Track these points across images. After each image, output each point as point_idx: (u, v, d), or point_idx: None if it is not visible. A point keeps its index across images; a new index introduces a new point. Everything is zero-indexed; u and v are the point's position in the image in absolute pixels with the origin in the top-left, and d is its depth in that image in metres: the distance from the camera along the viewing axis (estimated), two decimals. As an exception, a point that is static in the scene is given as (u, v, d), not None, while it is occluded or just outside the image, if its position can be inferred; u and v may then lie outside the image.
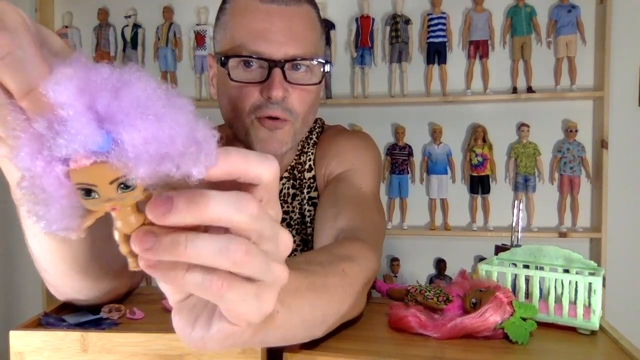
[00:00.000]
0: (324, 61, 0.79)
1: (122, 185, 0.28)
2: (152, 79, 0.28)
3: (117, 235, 0.30)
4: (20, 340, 0.53)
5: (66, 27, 2.47)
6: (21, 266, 2.51)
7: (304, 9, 0.78)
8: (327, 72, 0.81)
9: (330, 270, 0.52)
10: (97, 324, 0.57)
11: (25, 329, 0.55)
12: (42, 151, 0.28)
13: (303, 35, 0.77)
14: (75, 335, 0.53)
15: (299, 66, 0.77)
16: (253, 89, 0.76)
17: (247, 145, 0.81)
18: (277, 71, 0.74)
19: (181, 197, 0.28)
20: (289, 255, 0.99)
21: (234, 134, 0.83)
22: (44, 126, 0.27)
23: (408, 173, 2.32)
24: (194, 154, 0.29)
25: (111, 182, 0.27)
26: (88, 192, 0.28)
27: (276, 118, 0.77)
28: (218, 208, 0.28)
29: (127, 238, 0.30)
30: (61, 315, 0.59)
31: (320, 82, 0.80)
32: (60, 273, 0.54)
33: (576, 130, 2.20)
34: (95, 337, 0.53)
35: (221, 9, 0.81)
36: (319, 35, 0.82)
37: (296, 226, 0.88)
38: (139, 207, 0.30)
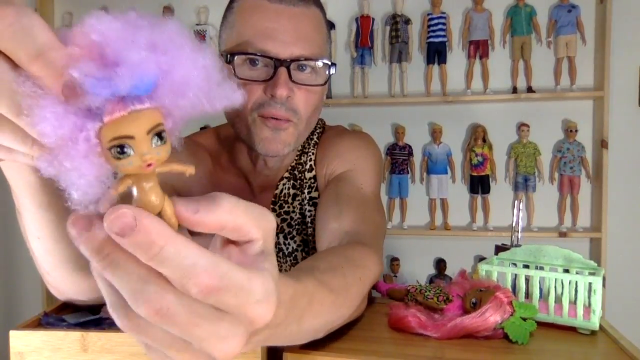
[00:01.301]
0: (329, 63, 0.79)
1: (156, 138, 0.27)
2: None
3: None
4: (20, 340, 0.53)
5: (66, 27, 2.47)
6: (21, 266, 2.51)
7: (312, 11, 0.78)
8: (332, 74, 0.81)
9: (351, 280, 0.54)
10: (97, 324, 0.57)
11: (25, 329, 0.55)
12: (69, 109, 0.26)
13: (310, 36, 0.77)
14: (75, 335, 0.53)
15: (304, 67, 0.77)
16: (257, 86, 0.76)
17: (249, 144, 0.81)
18: (282, 70, 0.74)
19: (141, 231, 0.26)
20: (290, 256, 0.99)
21: (236, 134, 0.83)
22: (81, 73, 0.25)
23: (408, 173, 2.32)
24: (220, 91, 0.29)
25: (148, 132, 0.26)
26: (121, 149, 0.26)
27: (280, 119, 0.77)
28: (171, 270, 0.26)
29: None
30: (61, 315, 0.59)
31: (325, 83, 0.80)
32: (62, 274, 0.55)
33: (576, 130, 2.20)
34: (95, 337, 0.53)
35: (229, 8, 0.81)
36: (325, 38, 0.82)
37: (297, 226, 0.88)
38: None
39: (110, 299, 0.28)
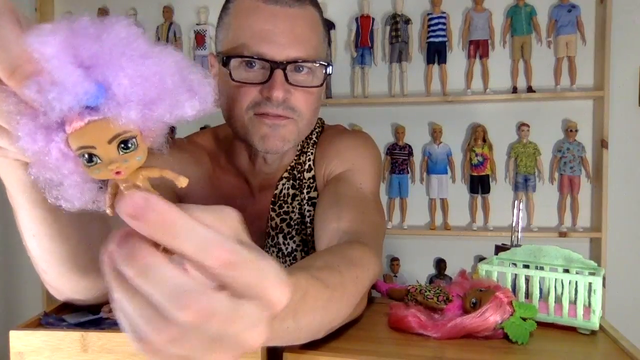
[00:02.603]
0: (325, 64, 0.78)
1: (122, 146, 0.27)
2: (134, 25, 0.28)
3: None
4: (20, 340, 0.53)
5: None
6: (21, 266, 2.51)
7: (308, 11, 0.78)
8: (329, 74, 0.80)
9: (347, 278, 0.54)
10: (97, 324, 0.57)
11: (25, 329, 0.55)
12: (39, 124, 0.27)
13: (306, 37, 0.77)
14: (75, 335, 0.53)
15: (301, 68, 0.77)
16: (253, 88, 0.76)
17: (248, 143, 0.81)
18: (278, 72, 0.74)
19: (153, 210, 0.26)
20: (290, 256, 0.99)
21: (234, 134, 0.83)
22: (34, 90, 0.26)
23: (408, 173, 2.32)
24: (187, 96, 0.28)
25: (110, 141, 0.27)
26: (90, 158, 0.27)
27: (278, 116, 0.77)
28: (186, 244, 0.26)
29: None
30: (61, 315, 0.59)
31: (322, 84, 0.79)
32: (59, 274, 0.54)
33: (576, 130, 2.20)
34: (95, 337, 0.53)
35: (224, 9, 0.81)
36: (322, 37, 0.81)
37: (296, 226, 0.88)
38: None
39: (137, 321, 0.27)
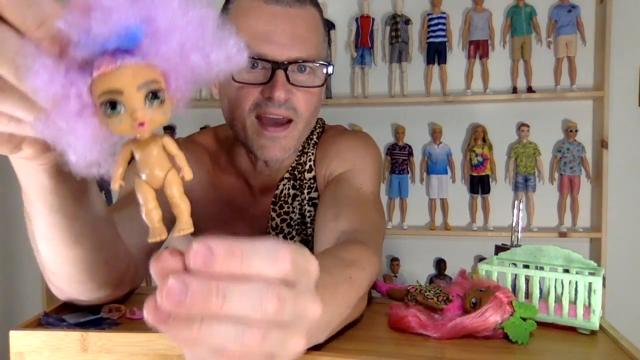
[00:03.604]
0: (326, 63, 0.79)
1: (150, 96, 0.26)
2: None
3: (141, 194, 0.28)
4: (20, 340, 0.53)
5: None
6: (21, 266, 2.51)
7: (308, 11, 0.78)
8: (330, 74, 0.80)
9: (339, 278, 0.53)
10: (97, 324, 0.57)
11: (25, 329, 0.55)
12: (61, 63, 0.25)
13: (306, 37, 0.77)
14: (75, 335, 0.53)
15: (302, 68, 0.77)
16: (255, 89, 0.76)
17: (247, 147, 0.80)
18: (280, 73, 0.74)
19: (220, 248, 0.25)
20: None
21: (235, 136, 0.83)
22: (68, 22, 0.24)
23: (408, 173, 2.32)
24: (222, 48, 0.27)
25: (139, 87, 0.25)
26: (112, 106, 0.25)
27: (279, 123, 0.76)
28: (255, 263, 0.26)
29: (153, 195, 0.28)
30: (61, 315, 0.59)
31: (323, 84, 0.80)
32: (68, 277, 0.54)
33: (576, 130, 2.20)
34: (95, 337, 0.53)
35: (224, 9, 0.81)
36: (322, 37, 0.81)
37: (296, 227, 0.88)
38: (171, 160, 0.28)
39: (226, 342, 0.26)
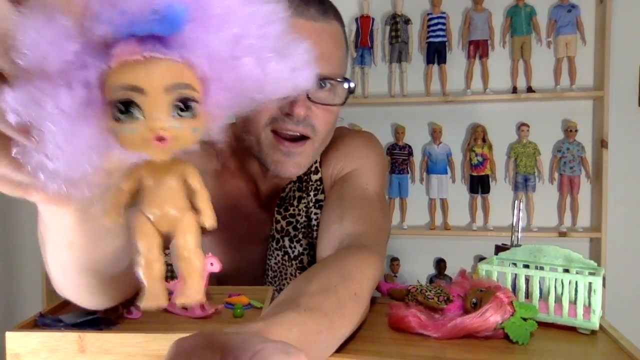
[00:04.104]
0: (348, 82, 0.76)
1: (180, 105, 0.19)
2: None
3: (142, 239, 0.20)
4: (16, 341, 0.53)
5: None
6: (21, 266, 2.51)
7: (333, 26, 0.75)
8: (352, 92, 0.78)
9: (345, 298, 0.53)
10: (95, 324, 0.56)
11: (22, 330, 0.54)
12: (76, 35, 0.18)
13: (330, 53, 0.74)
14: (72, 336, 0.53)
15: (323, 84, 0.74)
16: (272, 103, 0.74)
17: (260, 161, 0.79)
18: None
19: None
20: (296, 259, 0.97)
21: (246, 147, 0.79)
22: None
23: (408, 173, 2.32)
24: (291, 52, 0.21)
25: (168, 90, 0.19)
26: (126, 107, 0.19)
27: (296, 138, 0.74)
28: None
29: (158, 242, 0.21)
30: (57, 315, 0.59)
31: (343, 103, 0.77)
32: (76, 296, 0.52)
33: (576, 130, 2.20)
34: (93, 338, 0.53)
35: None
36: (345, 52, 0.79)
37: (302, 229, 0.87)
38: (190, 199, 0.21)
39: None
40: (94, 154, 0.20)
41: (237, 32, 0.20)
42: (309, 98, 0.73)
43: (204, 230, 0.22)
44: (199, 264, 0.21)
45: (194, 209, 0.21)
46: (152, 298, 0.21)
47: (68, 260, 0.44)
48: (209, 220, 0.22)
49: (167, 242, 0.22)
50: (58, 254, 0.44)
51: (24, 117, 0.19)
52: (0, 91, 0.19)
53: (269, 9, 0.21)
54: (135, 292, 0.65)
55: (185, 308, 0.60)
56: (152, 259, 0.21)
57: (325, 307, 0.49)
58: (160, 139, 0.19)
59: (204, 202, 0.21)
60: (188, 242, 0.21)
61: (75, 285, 0.50)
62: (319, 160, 0.88)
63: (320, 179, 0.88)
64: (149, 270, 0.21)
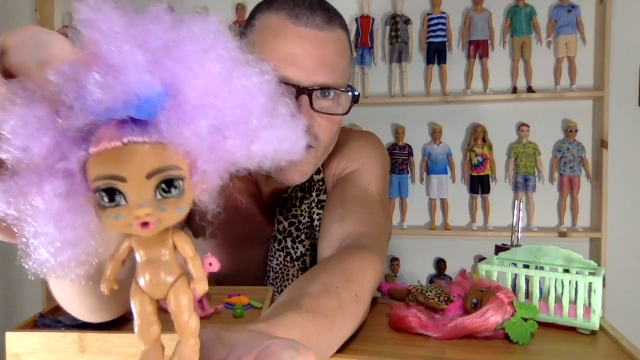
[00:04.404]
0: (352, 91, 0.76)
1: (164, 187, 0.19)
2: (224, 28, 0.20)
3: (137, 305, 0.21)
4: (16, 341, 0.53)
5: (66, 26, 2.47)
6: (21, 266, 2.50)
7: (337, 35, 0.74)
8: (356, 101, 0.77)
9: (346, 299, 0.54)
10: (94, 325, 0.56)
11: (22, 330, 0.54)
12: (57, 126, 0.18)
13: (334, 62, 0.74)
14: (72, 336, 0.53)
15: (326, 93, 0.74)
16: None
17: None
18: (304, 98, 0.71)
19: None
20: (299, 260, 0.97)
21: None
22: (61, 78, 0.18)
23: (408, 173, 2.32)
24: (273, 131, 0.20)
25: (149, 175, 0.19)
26: (111, 194, 0.19)
27: None
28: None
29: (153, 309, 0.22)
30: (57, 316, 0.59)
31: (346, 112, 0.77)
32: (79, 314, 0.52)
33: (576, 130, 2.20)
34: (93, 338, 0.53)
35: (248, 25, 0.76)
36: (349, 61, 0.78)
37: (305, 230, 0.87)
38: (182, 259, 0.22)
39: None
40: (86, 239, 0.20)
41: (216, 117, 0.20)
42: (312, 107, 0.72)
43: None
44: (194, 326, 0.22)
45: (185, 272, 0.22)
46: (149, 359, 0.22)
47: (70, 290, 0.45)
48: (202, 285, 0.22)
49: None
50: (59, 289, 0.45)
51: (7, 212, 0.19)
52: None
53: (252, 84, 0.20)
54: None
55: None
56: (147, 324, 0.22)
57: (326, 308, 0.49)
58: (145, 224, 0.19)
59: (196, 268, 0.22)
60: (182, 305, 0.21)
61: (76, 305, 0.50)
62: None
63: (323, 179, 0.87)
64: (145, 334, 0.22)
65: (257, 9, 0.76)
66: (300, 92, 0.71)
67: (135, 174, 0.18)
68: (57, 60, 0.20)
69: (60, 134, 0.19)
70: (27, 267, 0.21)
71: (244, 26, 0.78)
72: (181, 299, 0.21)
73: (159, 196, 0.19)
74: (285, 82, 0.70)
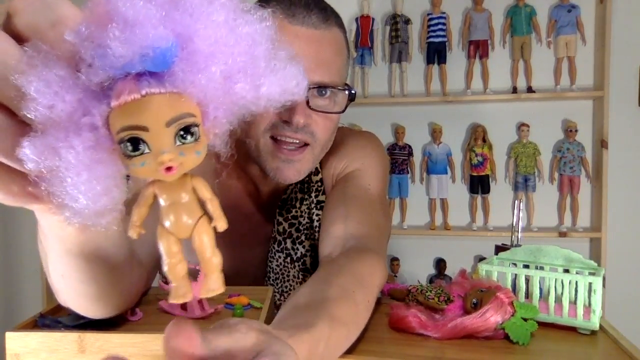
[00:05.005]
0: (348, 89, 0.76)
1: (182, 133, 0.21)
2: None
3: (164, 246, 0.23)
4: (16, 341, 0.53)
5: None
6: (21, 266, 2.51)
7: (333, 33, 0.74)
8: (352, 99, 0.77)
9: (362, 307, 0.55)
10: (94, 325, 0.56)
11: (22, 330, 0.54)
12: (78, 83, 0.20)
13: (330, 61, 0.73)
14: (72, 337, 0.53)
15: (322, 92, 0.74)
16: (271, 110, 0.73)
17: (260, 166, 0.78)
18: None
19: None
20: (299, 261, 0.97)
21: (246, 151, 0.79)
22: (78, 37, 0.19)
23: (408, 173, 2.32)
24: (276, 73, 0.22)
25: (168, 124, 0.20)
26: (135, 143, 0.20)
27: (296, 146, 0.74)
28: None
29: (179, 248, 0.23)
30: (57, 316, 0.59)
31: (343, 111, 0.76)
32: (77, 305, 0.52)
33: (576, 130, 2.20)
34: (93, 338, 0.53)
35: None
36: (346, 60, 0.78)
37: (305, 231, 0.87)
38: (200, 199, 0.23)
39: None
40: (114, 189, 0.22)
41: (226, 60, 0.21)
42: (308, 106, 0.72)
43: (215, 232, 0.24)
44: (217, 261, 0.24)
45: (206, 213, 0.24)
46: (179, 294, 0.23)
47: (68, 268, 0.45)
48: (221, 222, 0.24)
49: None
50: (59, 262, 0.45)
51: (41, 166, 0.21)
52: (20, 143, 0.21)
53: (254, 31, 0.22)
54: (137, 299, 0.65)
55: (184, 309, 0.60)
56: (174, 262, 0.23)
57: (345, 316, 0.50)
58: (169, 168, 0.21)
59: (215, 208, 0.24)
60: (205, 244, 0.23)
61: (76, 294, 0.50)
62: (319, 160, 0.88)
63: (321, 180, 0.87)
64: (173, 271, 0.23)
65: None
66: None
67: (156, 123, 0.20)
68: (67, 20, 0.21)
69: (81, 91, 0.20)
70: (66, 216, 0.22)
71: None
72: (203, 238, 0.23)
73: (178, 142, 0.21)
74: None
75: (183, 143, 0.21)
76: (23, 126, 0.21)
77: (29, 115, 0.20)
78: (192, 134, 0.21)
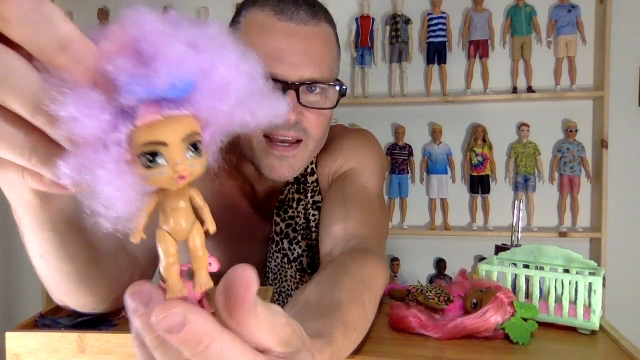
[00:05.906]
0: (339, 85, 0.76)
1: (192, 148, 0.24)
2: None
3: (162, 247, 0.26)
4: (16, 341, 0.53)
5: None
6: (21, 266, 2.51)
7: (322, 29, 0.74)
8: (343, 94, 0.77)
9: (369, 311, 0.56)
10: (94, 325, 0.56)
11: (22, 330, 0.54)
12: (105, 104, 0.23)
13: (320, 57, 0.73)
14: (72, 337, 0.53)
15: (313, 88, 0.74)
16: None
17: (254, 165, 0.78)
18: (291, 94, 0.71)
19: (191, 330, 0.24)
20: (295, 261, 0.97)
21: (240, 151, 0.80)
22: (115, 67, 0.23)
23: (408, 173, 2.32)
24: (267, 101, 0.27)
25: (184, 140, 0.24)
26: (153, 158, 0.24)
27: (289, 143, 0.74)
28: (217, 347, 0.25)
29: (176, 249, 0.26)
30: (57, 316, 0.59)
31: (334, 106, 0.77)
32: (67, 291, 0.53)
33: (576, 130, 2.20)
34: (92, 338, 0.53)
35: (234, 22, 0.77)
36: (336, 55, 0.78)
37: (301, 231, 0.87)
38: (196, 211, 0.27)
39: None
40: (140, 197, 0.26)
41: (235, 95, 0.26)
42: (299, 102, 0.72)
43: (207, 235, 0.28)
44: (206, 260, 0.27)
45: (199, 219, 0.28)
46: (175, 291, 0.26)
47: (44, 245, 0.46)
48: (212, 227, 0.28)
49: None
50: (35, 241, 0.46)
51: (77, 181, 0.24)
52: (55, 162, 0.24)
53: (252, 69, 0.27)
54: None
55: None
56: (171, 262, 0.26)
57: (355, 321, 0.50)
58: (182, 177, 0.25)
59: (206, 214, 0.27)
60: (197, 244, 0.27)
61: (59, 276, 0.50)
62: (314, 161, 0.87)
63: (317, 180, 0.87)
64: (169, 270, 0.26)
65: (243, 6, 0.77)
66: (287, 87, 0.71)
67: (174, 138, 0.24)
68: (74, 42, 0.23)
69: (109, 112, 0.24)
70: (101, 224, 0.25)
71: (230, 24, 0.78)
72: (197, 240, 0.27)
73: (188, 156, 0.24)
74: (271, 78, 0.70)
75: (192, 157, 0.25)
76: (54, 143, 0.25)
77: (61, 137, 0.24)
78: (198, 149, 0.25)
